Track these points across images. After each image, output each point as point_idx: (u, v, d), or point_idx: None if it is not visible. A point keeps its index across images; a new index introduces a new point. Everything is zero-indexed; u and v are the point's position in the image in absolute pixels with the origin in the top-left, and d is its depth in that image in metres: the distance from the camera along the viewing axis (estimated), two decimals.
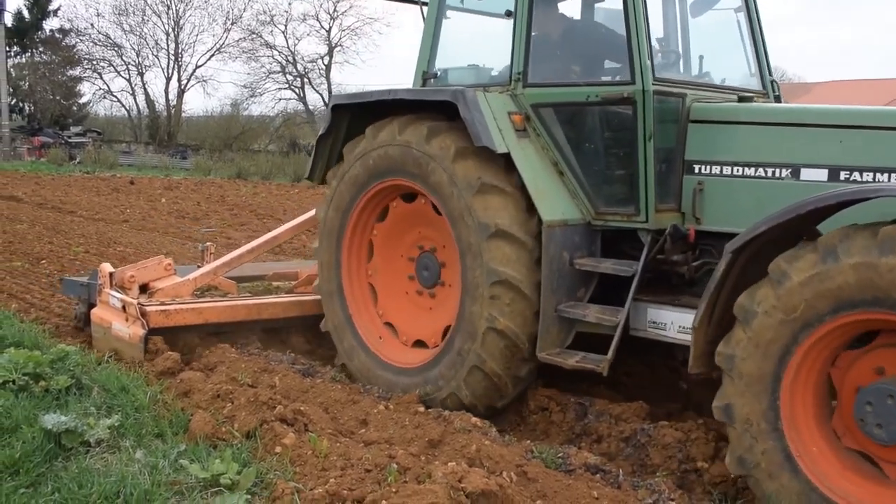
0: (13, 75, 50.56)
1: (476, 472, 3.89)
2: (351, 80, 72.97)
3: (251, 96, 57.02)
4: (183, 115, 58.38)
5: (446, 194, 5.60)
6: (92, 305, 7.20)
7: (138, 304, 6.56)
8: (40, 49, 53.96)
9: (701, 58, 6.23)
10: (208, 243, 8.15)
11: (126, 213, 19.64)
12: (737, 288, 4.33)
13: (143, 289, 7.05)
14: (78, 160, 38.97)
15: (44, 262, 11.63)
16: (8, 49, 47.33)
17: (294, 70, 58.05)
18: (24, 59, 54.30)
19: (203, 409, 5.19)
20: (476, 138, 5.42)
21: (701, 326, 4.45)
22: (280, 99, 58.29)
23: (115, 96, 56.73)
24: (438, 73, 6.43)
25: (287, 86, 58.64)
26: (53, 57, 53.17)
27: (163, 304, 6.69)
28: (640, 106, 5.19)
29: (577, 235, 5.50)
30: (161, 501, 3.98)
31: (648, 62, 5.20)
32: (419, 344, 6.31)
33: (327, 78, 57.85)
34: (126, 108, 59.57)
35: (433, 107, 5.83)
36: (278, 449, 4.54)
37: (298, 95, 59.39)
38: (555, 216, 5.42)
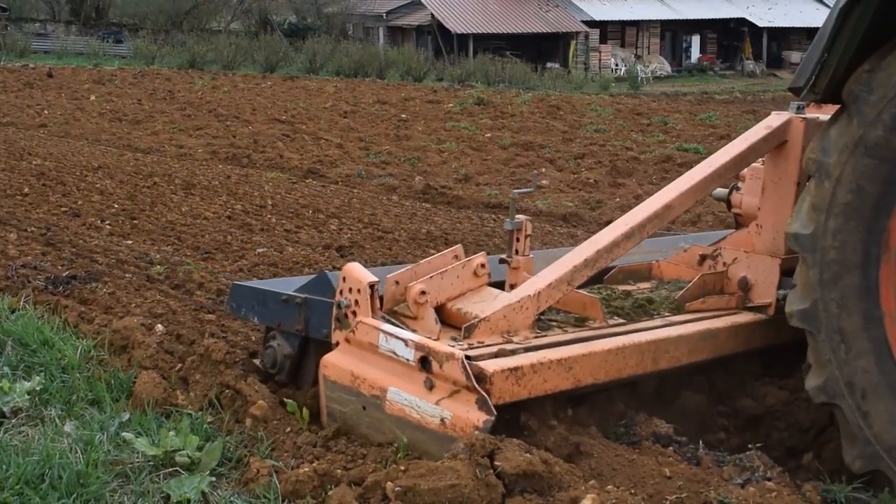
0: None
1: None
2: None
3: None
4: None
5: None
6: (310, 342, 5.07)
7: (464, 355, 4.27)
8: None
9: None
10: (520, 217, 5.27)
11: (43, 115, 19.66)
12: None
13: (439, 312, 4.87)
14: None
15: None
16: None
17: None
18: None
19: (149, 369, 5.28)
20: None
21: None
22: None
23: None
24: None
25: None
26: None
27: (501, 351, 4.52)
28: None
29: None
30: (99, 486, 4.06)
31: None
32: None
33: None
34: None
35: None
36: (248, 420, 4.62)
37: None
38: None
